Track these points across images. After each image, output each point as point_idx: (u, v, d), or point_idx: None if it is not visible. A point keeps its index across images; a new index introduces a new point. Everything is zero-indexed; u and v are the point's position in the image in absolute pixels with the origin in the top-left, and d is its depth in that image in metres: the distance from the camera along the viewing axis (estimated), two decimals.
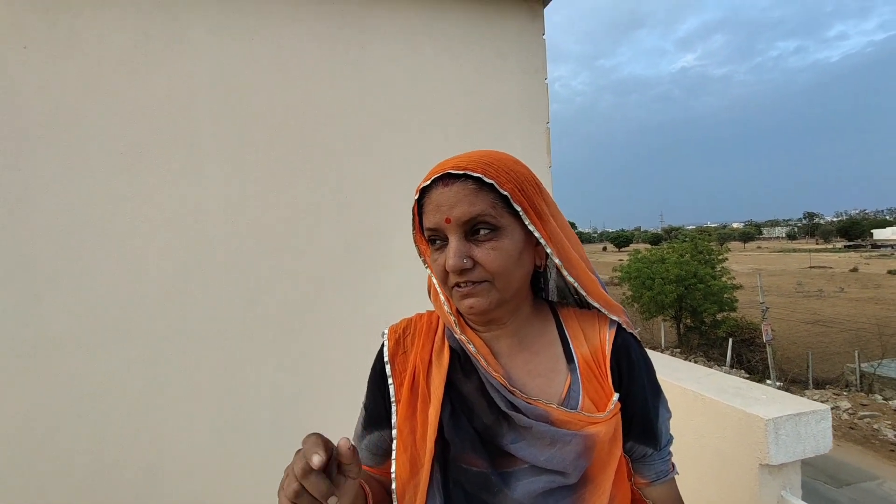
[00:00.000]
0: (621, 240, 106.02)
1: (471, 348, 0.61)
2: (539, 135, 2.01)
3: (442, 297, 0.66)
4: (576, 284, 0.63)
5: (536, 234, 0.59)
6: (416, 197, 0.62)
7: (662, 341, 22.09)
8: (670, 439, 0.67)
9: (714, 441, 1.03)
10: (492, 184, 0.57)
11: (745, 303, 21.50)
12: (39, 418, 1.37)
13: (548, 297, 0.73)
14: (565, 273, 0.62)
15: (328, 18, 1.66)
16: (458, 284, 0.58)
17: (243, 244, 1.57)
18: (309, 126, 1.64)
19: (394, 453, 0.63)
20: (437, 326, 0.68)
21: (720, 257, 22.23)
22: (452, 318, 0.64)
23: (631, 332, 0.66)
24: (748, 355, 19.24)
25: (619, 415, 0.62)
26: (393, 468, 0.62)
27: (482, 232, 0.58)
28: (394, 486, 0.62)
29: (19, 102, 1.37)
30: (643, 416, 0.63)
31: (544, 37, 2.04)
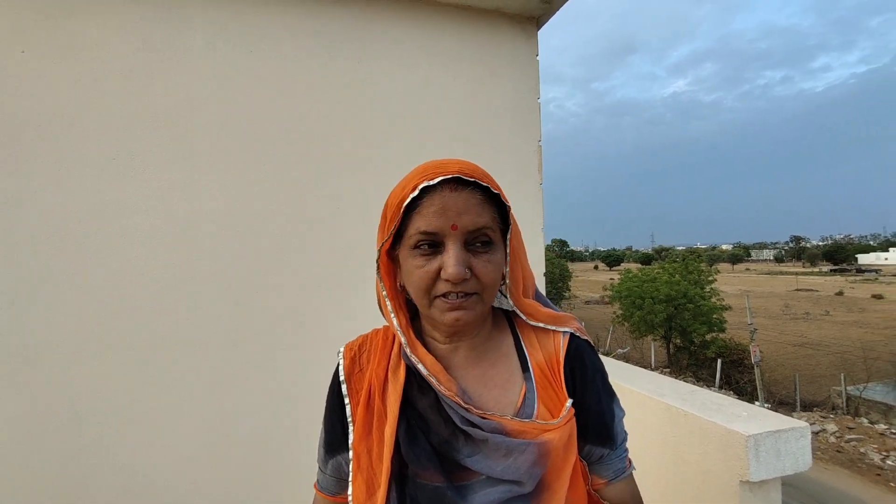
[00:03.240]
0: (612, 259, 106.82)
1: (421, 369, 0.61)
2: (531, 153, 2.05)
3: (392, 312, 0.64)
4: (514, 308, 0.66)
5: (507, 252, 0.62)
6: (415, 195, 0.57)
7: (653, 361, 22.10)
8: (625, 437, 0.68)
9: (696, 457, 1.04)
10: (496, 195, 0.59)
11: (733, 324, 21.67)
12: (23, 426, 1.34)
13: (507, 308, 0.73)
14: (507, 297, 0.65)
15: (326, 33, 1.70)
16: (446, 295, 0.57)
17: (234, 255, 1.57)
18: (304, 139, 1.66)
19: (350, 475, 0.61)
20: (394, 342, 0.67)
21: (709, 278, 22.49)
22: (403, 337, 0.63)
23: (585, 338, 0.68)
24: (737, 376, 19.30)
25: (574, 420, 0.62)
26: (350, 490, 0.61)
27: (480, 244, 0.58)
28: None
29: (15, 106, 1.37)
30: (599, 419, 0.64)
31: (537, 57, 2.10)
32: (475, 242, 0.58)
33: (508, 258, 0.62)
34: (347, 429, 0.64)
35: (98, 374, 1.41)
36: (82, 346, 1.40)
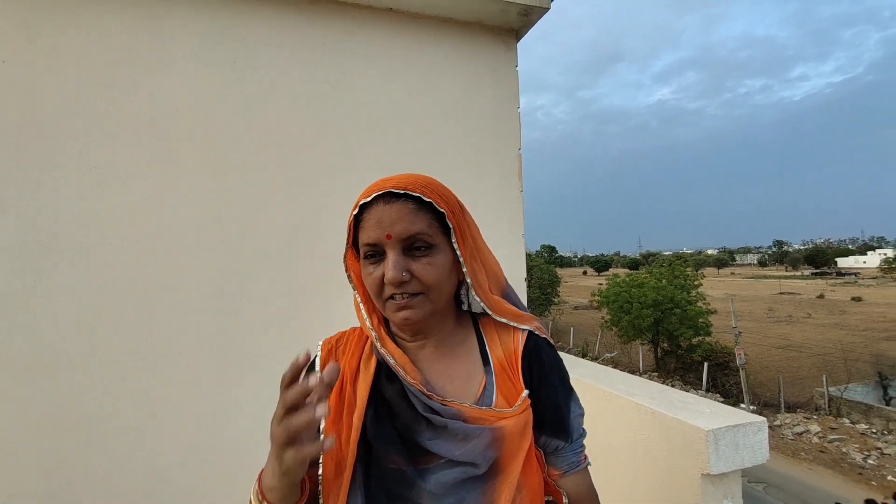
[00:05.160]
0: (601, 264, 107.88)
1: (390, 361, 0.66)
2: (511, 160, 2.11)
3: (364, 314, 0.70)
4: (482, 304, 0.70)
5: (458, 254, 0.66)
6: (356, 212, 0.66)
7: (640, 365, 22.32)
8: (583, 433, 0.73)
9: (663, 452, 1.08)
10: (430, 203, 0.64)
11: (719, 327, 22.04)
12: (6, 435, 1.33)
13: (470, 309, 0.78)
14: (472, 293, 0.69)
15: (309, 46, 1.74)
16: (392, 296, 0.63)
17: (218, 262, 1.58)
18: (286, 149, 1.69)
19: (321, 457, 0.66)
20: (367, 339, 0.73)
21: (695, 283, 22.86)
22: (374, 334, 0.69)
23: (544, 336, 0.73)
24: (723, 379, 19.58)
25: (530, 411, 0.67)
26: (320, 470, 0.66)
27: (419, 248, 0.63)
28: (320, 487, 0.65)
29: None
30: (554, 412, 0.69)
31: (517, 68, 2.16)
32: (413, 248, 0.63)
33: (462, 259, 0.66)
34: None
35: (81, 381, 1.40)
36: (65, 353, 1.39)
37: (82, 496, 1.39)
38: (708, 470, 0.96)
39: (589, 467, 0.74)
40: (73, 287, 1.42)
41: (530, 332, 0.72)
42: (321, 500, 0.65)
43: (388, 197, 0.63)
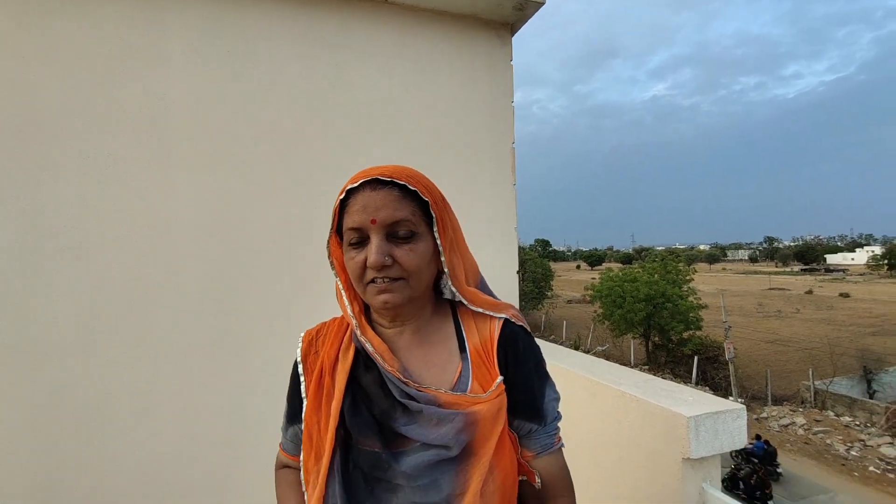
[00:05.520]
0: (594, 259, 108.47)
1: (369, 348, 0.68)
2: (505, 154, 2.13)
3: (346, 301, 0.72)
4: (458, 294, 0.73)
5: (438, 243, 0.69)
6: (342, 197, 0.67)
7: (632, 359, 22.59)
8: (557, 417, 0.75)
9: (647, 438, 1.12)
10: (415, 192, 0.66)
11: (710, 322, 22.34)
12: (3, 427, 1.34)
13: (453, 298, 0.80)
14: (449, 283, 0.72)
15: (305, 38, 1.74)
16: (374, 280, 0.65)
17: (214, 255, 1.59)
18: (283, 142, 1.70)
19: (302, 444, 0.70)
20: (347, 328, 0.75)
21: (687, 278, 23.11)
22: (355, 321, 0.71)
23: (521, 324, 0.76)
24: (712, 372, 19.89)
25: (504, 396, 0.70)
26: (301, 458, 0.70)
27: (402, 235, 0.65)
28: (301, 474, 0.69)
29: None
30: (528, 396, 0.72)
31: (511, 62, 2.18)
32: (396, 234, 0.65)
33: (441, 248, 0.69)
34: (302, 404, 0.72)
35: (78, 374, 1.42)
36: (62, 346, 1.40)
37: (81, 484, 1.41)
38: (688, 454, 1.00)
39: (563, 448, 0.77)
40: (70, 280, 1.42)
41: (506, 320, 0.74)
42: (303, 486, 0.70)
43: (374, 184, 0.65)
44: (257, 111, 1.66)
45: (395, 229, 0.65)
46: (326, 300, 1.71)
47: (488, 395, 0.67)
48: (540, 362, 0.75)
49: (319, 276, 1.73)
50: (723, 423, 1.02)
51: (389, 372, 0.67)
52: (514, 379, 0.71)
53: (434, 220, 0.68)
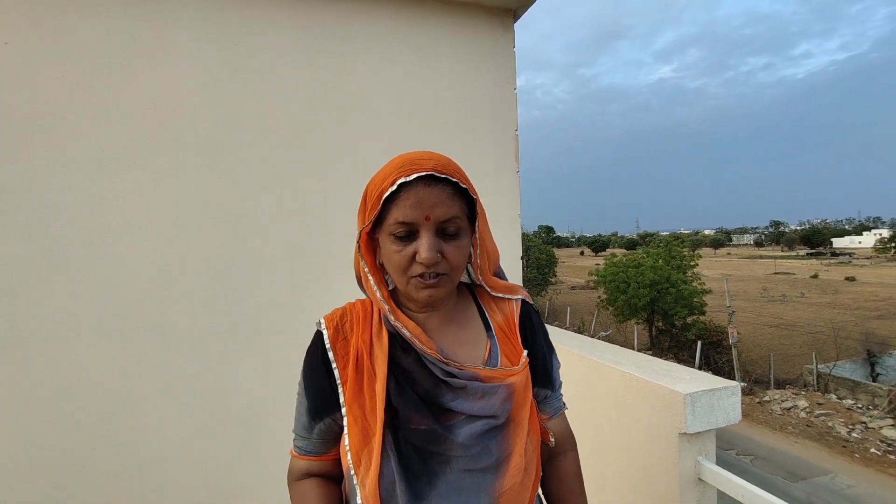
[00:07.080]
0: (598, 244, 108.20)
1: (405, 333, 0.72)
2: (508, 141, 2.14)
3: (374, 286, 0.73)
4: (483, 284, 0.80)
5: (477, 238, 0.74)
6: (393, 189, 0.66)
7: (635, 343, 22.72)
8: (561, 383, 0.86)
9: (646, 415, 1.18)
10: (465, 189, 0.70)
11: (714, 307, 22.35)
12: (13, 415, 1.39)
13: (469, 282, 0.86)
14: (477, 273, 0.78)
15: (309, 28, 1.75)
16: (421, 275, 0.67)
17: (223, 244, 1.63)
18: (288, 132, 1.72)
19: (346, 428, 0.70)
20: (373, 312, 0.77)
21: (692, 263, 23.05)
22: (387, 306, 0.72)
23: (531, 303, 0.85)
24: (716, 357, 19.99)
25: (528, 367, 0.78)
26: (346, 441, 0.69)
27: (450, 232, 0.69)
28: (349, 456, 0.68)
29: (1, 102, 1.39)
30: (542, 366, 0.81)
31: (514, 49, 2.18)
32: (445, 230, 0.69)
33: (478, 242, 0.75)
34: (337, 391, 0.72)
35: (93, 361, 1.47)
36: (76, 334, 1.45)
37: (98, 469, 1.47)
38: (685, 429, 1.05)
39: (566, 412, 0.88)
40: (84, 269, 1.46)
41: (523, 301, 0.83)
42: (352, 470, 0.68)
43: (428, 179, 0.66)
44: (263, 101, 1.69)
45: (446, 226, 0.68)
46: (335, 285, 1.77)
47: (520, 368, 0.75)
48: (547, 335, 0.84)
49: (328, 261, 1.78)
50: (718, 400, 1.07)
51: (429, 354, 0.71)
52: (531, 352, 0.79)
53: (477, 217, 0.73)
